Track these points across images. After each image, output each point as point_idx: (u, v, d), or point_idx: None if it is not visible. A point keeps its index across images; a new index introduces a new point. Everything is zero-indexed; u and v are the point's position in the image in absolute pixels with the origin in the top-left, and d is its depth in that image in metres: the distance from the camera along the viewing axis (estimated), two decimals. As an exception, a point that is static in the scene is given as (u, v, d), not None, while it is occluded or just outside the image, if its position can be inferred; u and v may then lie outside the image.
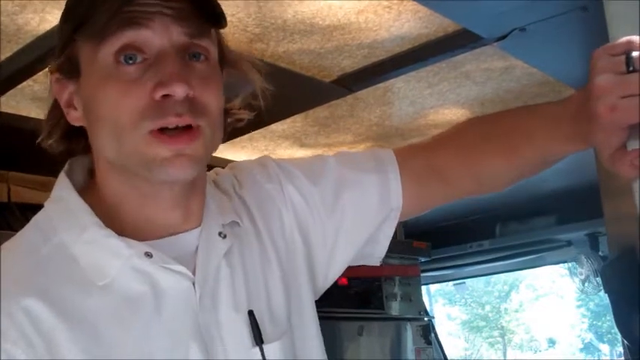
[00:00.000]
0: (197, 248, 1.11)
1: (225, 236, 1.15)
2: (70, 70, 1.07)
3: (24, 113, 2.49)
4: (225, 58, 1.14)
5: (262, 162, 1.32)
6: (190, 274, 1.07)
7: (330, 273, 1.30)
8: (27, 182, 2.80)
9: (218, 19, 1.06)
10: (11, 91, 2.34)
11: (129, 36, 1.00)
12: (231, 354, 1.07)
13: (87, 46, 1.04)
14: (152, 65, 1.01)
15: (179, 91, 0.98)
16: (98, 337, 1.01)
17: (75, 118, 1.10)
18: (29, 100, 2.42)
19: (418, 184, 1.29)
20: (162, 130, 1.00)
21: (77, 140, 1.14)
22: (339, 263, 1.30)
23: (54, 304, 1.01)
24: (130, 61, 1.01)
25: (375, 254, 1.33)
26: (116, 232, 1.06)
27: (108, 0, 0.99)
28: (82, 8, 1.03)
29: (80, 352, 0.99)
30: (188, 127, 1.01)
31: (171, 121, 0.99)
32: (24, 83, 2.29)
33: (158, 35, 1.01)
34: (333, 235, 1.27)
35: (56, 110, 1.12)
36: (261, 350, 1.08)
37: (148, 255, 1.05)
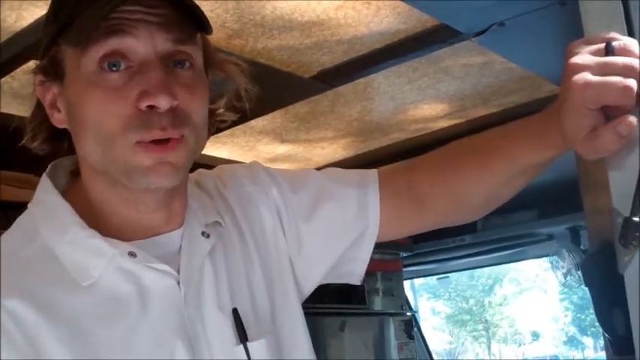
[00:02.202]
0: (180, 248, 1.12)
1: (208, 235, 1.16)
2: (54, 73, 1.07)
3: (4, 110, 2.47)
4: (210, 60, 1.13)
5: (250, 166, 1.33)
6: (175, 272, 1.08)
7: (307, 283, 1.29)
8: (10, 180, 2.78)
9: (203, 24, 1.05)
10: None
11: (113, 44, 1.00)
12: (216, 352, 1.08)
13: (71, 50, 1.03)
14: (136, 73, 1.00)
15: (163, 102, 0.98)
16: (84, 337, 1.01)
17: (59, 120, 1.09)
18: (9, 97, 2.40)
19: (396, 204, 1.28)
20: (149, 141, 1.00)
21: (61, 142, 1.14)
22: (314, 274, 1.30)
23: (38, 305, 1.01)
24: (114, 68, 1.00)
25: (356, 272, 1.32)
26: (100, 233, 1.06)
27: (92, 6, 0.99)
28: (67, 12, 1.02)
29: (66, 353, 0.99)
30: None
31: (156, 135, 1.00)
32: (2, 80, 2.28)
33: (142, 43, 1.00)
34: (308, 245, 1.27)
35: (40, 111, 1.12)
36: (246, 348, 1.09)
37: (132, 255, 1.06)
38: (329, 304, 3.75)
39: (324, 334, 3.75)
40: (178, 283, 1.08)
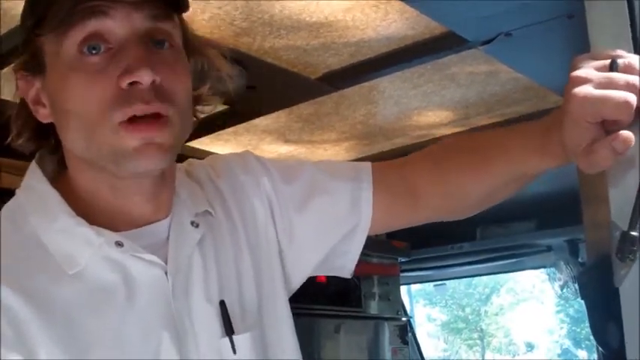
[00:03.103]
0: (168, 238, 1.11)
1: (197, 225, 1.15)
2: (35, 67, 1.06)
3: (8, 98, 2.47)
4: (190, 45, 1.12)
5: (242, 154, 1.32)
6: (162, 262, 1.07)
7: (297, 274, 1.29)
8: (9, 168, 2.78)
9: (179, 2, 1.05)
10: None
11: (91, 25, 0.99)
12: (202, 344, 1.07)
13: (50, 41, 1.03)
14: (116, 54, 1.00)
15: (145, 77, 0.97)
16: (70, 325, 1.01)
17: (43, 115, 1.08)
18: (13, 85, 2.39)
19: (391, 199, 1.28)
20: (131, 120, 0.99)
21: (47, 139, 1.13)
22: (304, 266, 1.29)
23: (25, 292, 1.00)
24: (94, 51, 1.00)
25: (346, 265, 1.31)
26: (88, 222, 1.06)
27: None
28: (42, 4, 1.02)
29: (52, 341, 0.99)
30: (157, 116, 1.00)
31: (140, 109, 0.98)
32: (5, 69, 2.28)
33: (120, 23, 1.00)
34: (299, 236, 1.27)
35: (24, 109, 1.11)
36: (231, 341, 1.09)
37: (119, 244, 1.05)
38: (325, 306, 3.75)
39: (319, 336, 3.76)
40: (166, 273, 1.07)
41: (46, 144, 1.14)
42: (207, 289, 1.11)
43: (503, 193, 1.21)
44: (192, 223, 1.15)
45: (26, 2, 1.08)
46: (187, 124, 1.07)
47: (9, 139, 1.13)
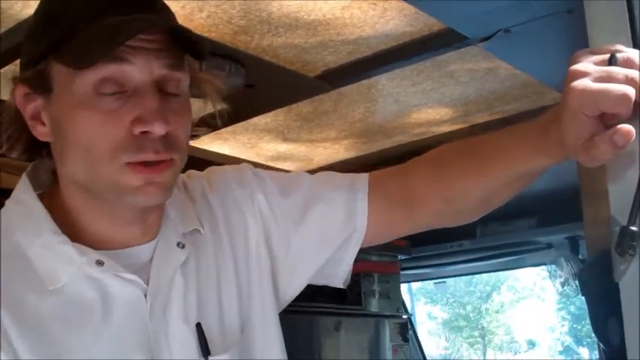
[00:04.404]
0: (152, 259, 1.13)
1: (183, 246, 1.16)
2: (40, 86, 1.06)
3: (5, 98, 2.46)
4: (192, 80, 1.14)
5: (239, 168, 1.33)
6: (143, 283, 1.09)
7: (292, 287, 1.30)
8: (9, 168, 2.78)
9: (198, 48, 1.06)
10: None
11: (111, 69, 1.00)
12: None
13: (62, 70, 1.03)
14: (131, 97, 1.01)
15: (159, 130, 1.00)
16: (47, 339, 1.02)
17: (42, 133, 1.09)
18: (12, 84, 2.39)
19: (388, 208, 1.28)
20: (139, 163, 1.02)
21: (39, 150, 1.14)
22: (300, 277, 1.30)
23: (6, 303, 1.02)
24: (109, 92, 1.01)
25: (339, 274, 1.32)
26: (74, 239, 1.07)
27: (89, 26, 0.99)
28: (62, 27, 1.02)
29: (29, 352, 1.01)
30: (162, 161, 1.03)
31: (150, 157, 1.01)
32: (6, 68, 2.27)
33: (139, 70, 1.01)
34: (297, 249, 1.28)
35: (18, 120, 1.11)
36: None
37: (100, 263, 1.07)
38: (325, 304, 3.75)
39: (319, 334, 3.75)
40: (145, 295, 1.09)
41: (38, 156, 1.16)
42: (185, 310, 1.12)
43: (503, 195, 1.21)
44: (178, 244, 1.16)
45: (40, 18, 1.07)
46: (185, 158, 1.10)
47: (1, 151, 1.14)
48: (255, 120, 2.95)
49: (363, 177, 1.31)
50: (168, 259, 1.13)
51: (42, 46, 1.04)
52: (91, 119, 1.01)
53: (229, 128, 2.99)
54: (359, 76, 2.56)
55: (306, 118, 2.99)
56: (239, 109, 2.74)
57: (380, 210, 1.27)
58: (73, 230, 1.09)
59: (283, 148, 3.36)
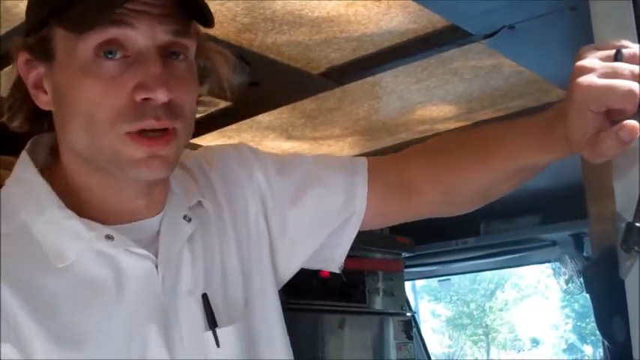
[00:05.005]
0: (159, 232, 1.11)
1: (190, 220, 1.15)
2: (42, 52, 1.04)
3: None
4: (200, 49, 1.12)
5: (237, 147, 1.32)
6: (153, 256, 1.07)
7: (289, 266, 1.29)
8: (9, 165, 2.78)
9: (203, 15, 1.04)
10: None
11: (112, 33, 0.98)
12: (186, 337, 1.08)
13: (64, 35, 1.01)
14: (133, 64, 0.99)
15: (161, 96, 0.98)
16: (59, 319, 1.01)
17: (44, 102, 1.07)
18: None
19: (386, 193, 1.28)
20: (139, 132, 0.99)
21: (41, 120, 1.12)
22: (297, 257, 1.29)
23: (15, 283, 1.00)
24: (110, 56, 0.99)
25: (335, 258, 1.31)
26: (79, 214, 1.05)
27: None
28: None
29: (41, 334, 0.99)
30: (164, 130, 1.01)
31: (151, 124, 0.99)
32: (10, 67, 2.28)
33: (142, 34, 0.99)
34: (293, 228, 1.27)
35: (20, 88, 1.09)
36: (215, 334, 1.09)
37: (109, 237, 1.05)
38: (329, 302, 3.75)
39: (323, 331, 3.75)
40: (156, 267, 1.07)
41: (40, 126, 1.13)
42: (193, 283, 1.11)
43: (502, 188, 1.20)
44: (184, 217, 1.15)
45: None
46: (190, 132, 1.08)
47: (3, 118, 1.11)
48: (260, 118, 2.95)
49: (362, 160, 1.30)
50: (176, 233, 1.12)
51: (43, 12, 1.02)
52: (93, 86, 0.99)
53: (233, 126, 2.99)
54: (363, 73, 2.56)
55: (310, 115, 3.00)
56: (243, 106, 2.74)
57: (378, 196, 1.27)
58: (77, 205, 1.06)
59: (287, 145, 3.36)
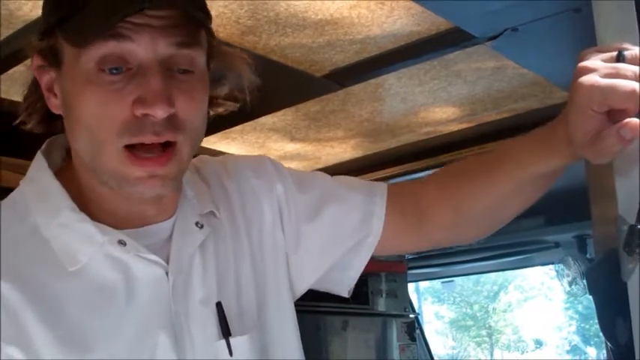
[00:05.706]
0: (171, 237, 1.11)
1: (202, 226, 1.15)
2: (52, 59, 1.05)
3: (15, 99, 2.48)
4: (214, 52, 1.11)
5: (258, 158, 1.32)
6: (164, 263, 1.07)
7: (300, 282, 1.28)
8: (11, 166, 2.78)
9: (206, 22, 1.04)
10: (2, 77, 2.33)
11: (112, 46, 0.97)
12: (198, 345, 1.08)
13: (69, 44, 1.01)
14: (135, 76, 0.99)
15: (160, 112, 0.97)
16: (68, 322, 1.01)
17: (54, 105, 1.08)
18: (20, 85, 2.39)
19: (402, 217, 1.27)
20: (138, 147, 0.99)
21: (55, 123, 1.12)
22: (308, 275, 1.28)
23: (24, 285, 1.00)
24: (114, 70, 0.98)
25: (346, 281, 1.30)
26: (91, 217, 1.05)
27: (92, 3, 0.97)
28: (68, 3, 1.00)
29: (50, 336, 0.99)
30: (165, 144, 1.00)
31: (149, 139, 0.99)
32: (15, 69, 2.28)
33: (143, 48, 0.98)
34: (306, 244, 1.26)
35: (35, 90, 1.10)
36: (228, 343, 1.09)
37: (122, 243, 1.05)
38: (332, 303, 3.75)
39: (326, 333, 3.76)
40: (167, 273, 1.07)
41: (55, 127, 1.13)
42: (205, 290, 1.11)
43: (515, 202, 1.20)
44: (196, 223, 1.14)
45: None
46: (197, 143, 1.07)
47: (19, 119, 1.12)
48: (263, 119, 2.95)
49: (382, 185, 1.30)
50: (188, 238, 1.12)
51: (51, 21, 1.03)
52: (94, 97, 0.98)
53: (237, 128, 2.99)
54: (366, 75, 2.56)
55: (313, 117, 2.99)
56: (247, 108, 2.74)
57: (394, 220, 1.27)
58: (89, 208, 1.07)
59: (291, 147, 3.36)
